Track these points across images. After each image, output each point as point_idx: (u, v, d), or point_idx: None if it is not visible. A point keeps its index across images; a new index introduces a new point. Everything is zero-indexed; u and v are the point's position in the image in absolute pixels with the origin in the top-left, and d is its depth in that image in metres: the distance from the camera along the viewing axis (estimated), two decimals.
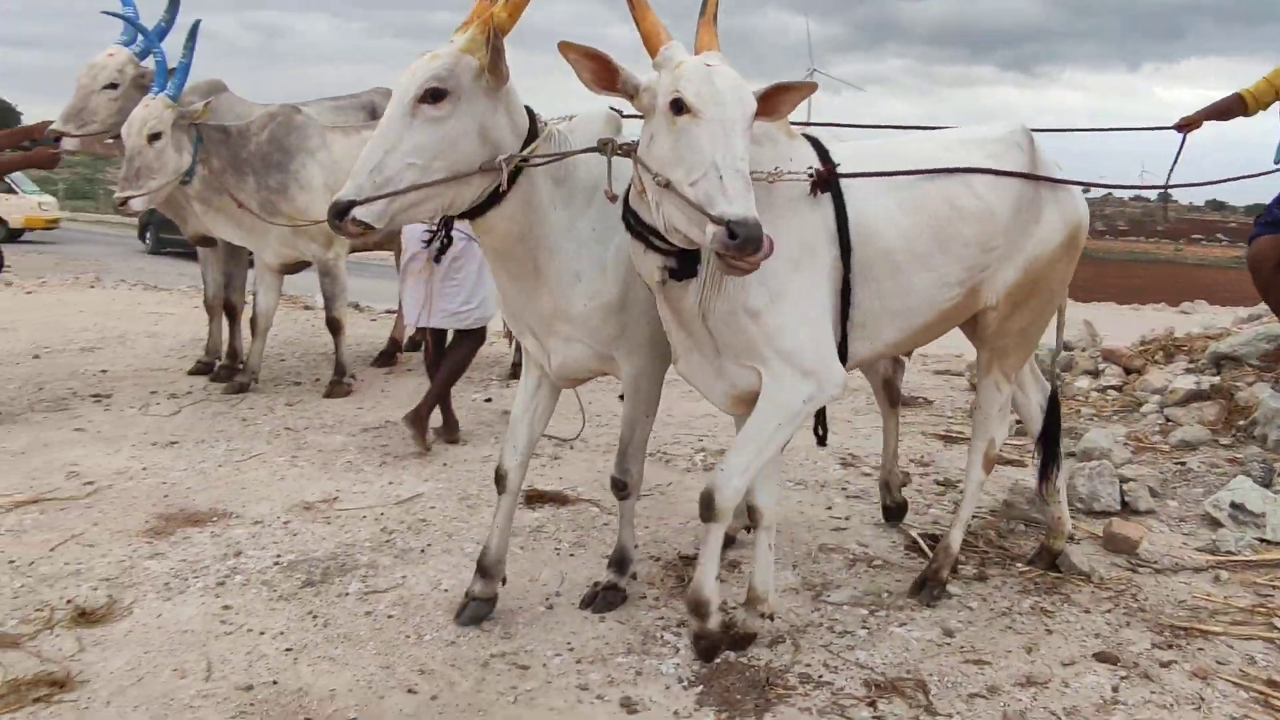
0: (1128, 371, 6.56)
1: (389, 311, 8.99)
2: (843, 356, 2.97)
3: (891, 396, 4.31)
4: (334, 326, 6.29)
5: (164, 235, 20.61)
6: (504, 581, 3.35)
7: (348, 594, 3.42)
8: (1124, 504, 4.40)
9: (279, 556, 3.71)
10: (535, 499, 4.39)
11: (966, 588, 3.63)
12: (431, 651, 3.06)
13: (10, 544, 3.71)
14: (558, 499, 4.46)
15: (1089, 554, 3.83)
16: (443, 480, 4.64)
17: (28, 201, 23.01)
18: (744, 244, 2.25)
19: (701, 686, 2.92)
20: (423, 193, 2.60)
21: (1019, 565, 3.82)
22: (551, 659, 3.04)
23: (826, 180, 2.80)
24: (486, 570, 3.25)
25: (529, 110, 2.86)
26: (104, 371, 6.70)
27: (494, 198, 2.76)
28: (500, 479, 3.28)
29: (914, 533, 4.13)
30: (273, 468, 4.77)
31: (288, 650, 3.03)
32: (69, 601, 3.21)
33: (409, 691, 2.83)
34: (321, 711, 2.72)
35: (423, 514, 4.21)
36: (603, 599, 3.38)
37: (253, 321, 6.29)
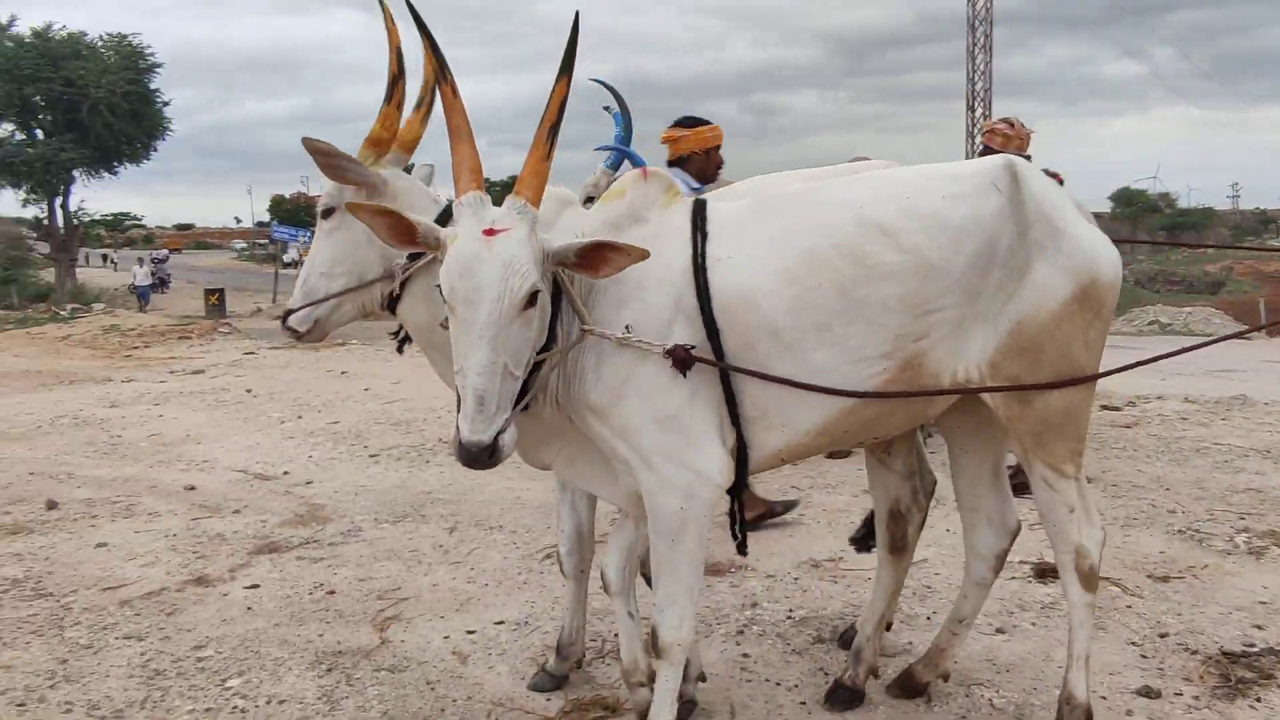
0: None
1: None
2: (742, 452, 2.52)
3: (895, 538, 3.10)
4: None
5: None
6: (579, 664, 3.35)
7: None
8: None
9: (791, 611, 3.84)
10: (1047, 573, 4.09)
11: None
12: None
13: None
14: (1048, 572, 4.10)
15: None
16: (947, 547, 4.50)
17: None
18: (467, 462, 2.18)
19: None
20: (336, 300, 2.87)
21: None
22: None
23: (688, 356, 2.35)
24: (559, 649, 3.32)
25: (449, 204, 2.75)
26: None
27: (402, 290, 2.85)
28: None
29: None
30: (782, 524, 4.94)
31: (801, 704, 3.11)
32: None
33: None
34: None
35: (927, 580, 4.12)
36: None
37: None
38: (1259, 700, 3.03)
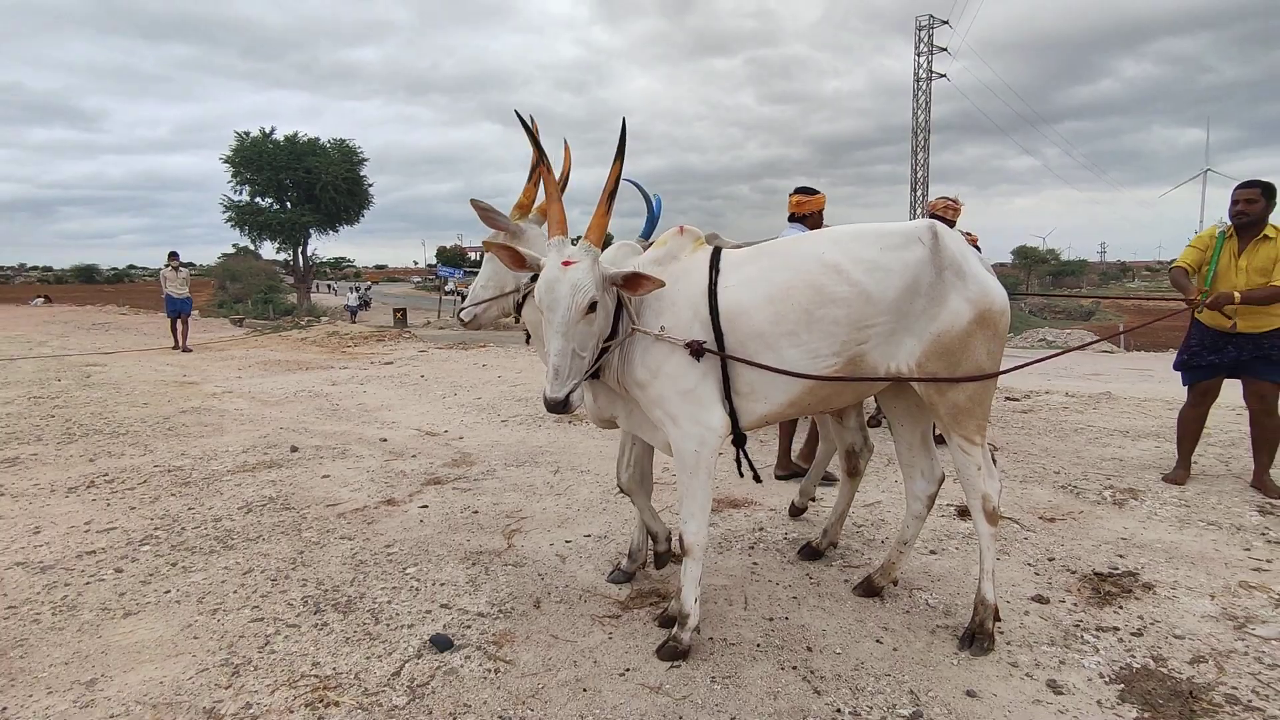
0: None
1: None
2: (733, 417, 2.54)
3: (850, 467, 3.33)
4: None
5: None
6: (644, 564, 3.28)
7: (831, 565, 3.37)
8: None
9: (787, 534, 3.77)
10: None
11: None
12: (892, 615, 2.89)
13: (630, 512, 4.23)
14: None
15: None
16: (896, 491, 4.41)
17: None
18: (549, 409, 2.31)
19: (1122, 685, 2.38)
20: (487, 303, 3.06)
21: None
22: None
23: (700, 348, 2.43)
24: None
25: None
26: None
27: (524, 301, 3.03)
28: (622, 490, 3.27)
29: None
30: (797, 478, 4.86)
31: (794, 597, 3.06)
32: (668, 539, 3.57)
33: (877, 641, 2.70)
34: (817, 643, 2.69)
35: (882, 515, 4.02)
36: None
37: None
38: (1121, 608, 2.91)
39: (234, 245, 39.13)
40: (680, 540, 2.58)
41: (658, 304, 2.53)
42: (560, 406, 2.30)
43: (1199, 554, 3.37)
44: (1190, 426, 4.47)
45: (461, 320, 3.10)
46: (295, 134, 30.59)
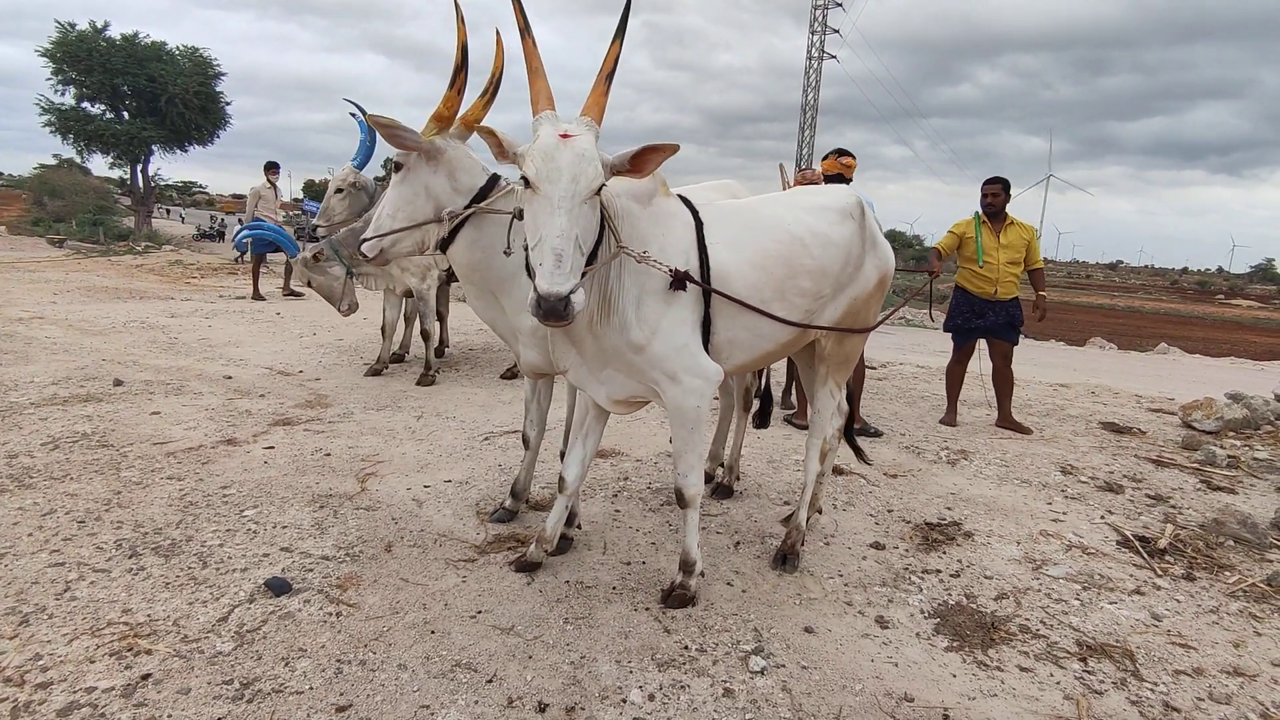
0: None
1: None
2: None
3: (745, 403, 3.74)
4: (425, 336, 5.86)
5: None
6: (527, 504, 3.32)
7: None
8: None
9: (650, 483, 3.84)
10: (838, 471, 4.21)
11: (1175, 584, 2.98)
12: (745, 559, 3.02)
13: (505, 456, 4.16)
14: (836, 470, 4.24)
15: None
16: (756, 446, 4.60)
17: None
18: (544, 315, 1.86)
19: (938, 619, 2.63)
20: (396, 235, 2.58)
21: (1226, 574, 3.08)
22: (826, 580, 2.89)
23: (685, 277, 2.27)
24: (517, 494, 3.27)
25: (494, 175, 2.64)
26: None
27: (452, 236, 2.62)
28: (525, 440, 3.20)
29: (1126, 531, 3.46)
30: (649, 427, 4.92)
31: (653, 544, 3.13)
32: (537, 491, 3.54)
33: (728, 584, 2.81)
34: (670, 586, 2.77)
35: (741, 469, 4.18)
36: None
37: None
38: (945, 552, 3.20)
39: (55, 156, 34.33)
40: (679, 495, 2.54)
41: (648, 251, 2.30)
42: (561, 305, 1.83)
43: (1011, 507, 3.77)
44: (958, 379, 5.47)
45: (364, 256, 2.58)
46: (135, 34, 26.97)
